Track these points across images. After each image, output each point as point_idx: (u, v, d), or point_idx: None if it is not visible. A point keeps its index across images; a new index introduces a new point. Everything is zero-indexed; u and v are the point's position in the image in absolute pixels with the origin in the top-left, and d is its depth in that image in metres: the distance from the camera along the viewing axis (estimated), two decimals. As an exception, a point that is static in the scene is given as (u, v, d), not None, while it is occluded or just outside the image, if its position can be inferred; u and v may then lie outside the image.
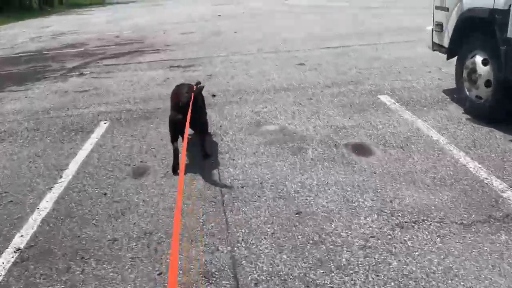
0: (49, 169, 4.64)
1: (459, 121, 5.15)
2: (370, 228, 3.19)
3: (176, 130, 4.28)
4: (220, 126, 5.50)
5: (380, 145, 4.64)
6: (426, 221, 3.22)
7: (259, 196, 3.73)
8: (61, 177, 4.43)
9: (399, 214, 3.34)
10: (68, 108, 6.79)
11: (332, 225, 3.25)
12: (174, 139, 4.32)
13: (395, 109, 5.70)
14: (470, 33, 5.20)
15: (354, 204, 3.51)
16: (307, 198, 3.66)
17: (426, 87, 6.58)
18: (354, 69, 7.95)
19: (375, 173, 4.02)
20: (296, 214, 3.43)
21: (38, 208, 3.84)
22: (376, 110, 5.72)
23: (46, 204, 3.89)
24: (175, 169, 4.27)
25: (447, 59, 5.96)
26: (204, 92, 4.83)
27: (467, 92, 5.32)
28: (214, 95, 6.86)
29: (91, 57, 11.40)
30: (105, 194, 4.01)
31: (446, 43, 5.77)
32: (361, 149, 4.59)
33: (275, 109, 6.01)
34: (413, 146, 4.54)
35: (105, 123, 5.95)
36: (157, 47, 12.22)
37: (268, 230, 3.25)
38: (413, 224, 3.20)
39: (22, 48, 14.14)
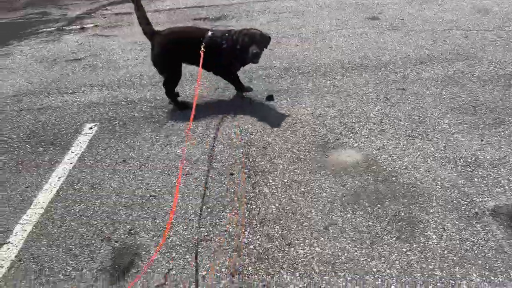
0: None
1: None
2: None
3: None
4: (264, 147, 3.39)
5: None
6: None
7: None
8: (-10, 266, 2.54)
9: None
10: (49, 93, 4.80)
11: None
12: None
13: (557, 122, 3.39)
14: None
15: None
16: None
17: None
18: (455, 31, 5.45)
19: None
20: None
21: None
22: (523, 122, 3.43)
23: None
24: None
25: None
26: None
27: None
28: (271, 97, 4.14)
29: (101, -2, 9.18)
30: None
31: None
32: (531, 232, 2.43)
33: (350, 111, 3.80)
34: None
35: (91, 129, 3.94)
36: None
37: None
38: None
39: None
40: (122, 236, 2.67)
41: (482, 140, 3.24)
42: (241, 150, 3.40)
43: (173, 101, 4.09)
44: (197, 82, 3.94)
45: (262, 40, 3.77)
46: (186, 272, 2.36)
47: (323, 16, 6.52)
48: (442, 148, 3.19)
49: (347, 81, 4.36)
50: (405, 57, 4.81)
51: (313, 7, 7.04)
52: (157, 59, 3.90)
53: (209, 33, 3.83)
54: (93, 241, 2.65)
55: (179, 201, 2.90)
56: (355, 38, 5.52)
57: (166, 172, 3.22)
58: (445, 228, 2.49)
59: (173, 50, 3.81)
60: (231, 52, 3.78)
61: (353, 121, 3.64)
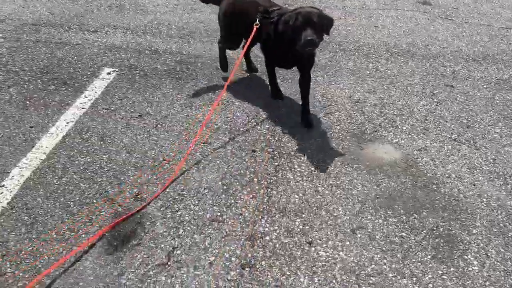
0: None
1: None
2: None
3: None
4: (291, 126, 3.07)
5: None
6: None
7: None
8: (-21, 210, 2.30)
9: None
10: (70, 27, 4.47)
11: None
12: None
13: None
14: None
15: None
16: None
17: None
18: (515, 30, 4.99)
19: None
20: None
21: None
22: None
23: None
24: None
25: None
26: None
27: None
28: None
29: None
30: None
31: None
32: None
33: (392, 101, 3.45)
34: None
35: (109, 74, 3.64)
36: None
37: None
38: None
39: None
40: (127, 200, 2.41)
41: (536, 159, 2.90)
42: (267, 126, 3.09)
43: (220, 52, 3.58)
44: (240, 56, 3.53)
45: (322, 23, 2.69)
46: (192, 254, 2.10)
47: (371, -9, 6.03)
48: (491, 160, 2.86)
49: (391, 67, 3.98)
50: (456, 51, 4.39)
51: (362, -20, 6.52)
52: (218, 18, 3.42)
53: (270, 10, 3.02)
54: (94, 201, 2.39)
55: (194, 171, 2.62)
56: (403, 21, 5.07)
57: (183, 136, 2.92)
58: (488, 254, 2.19)
59: (231, 18, 3.27)
60: (279, 36, 2.83)
61: (395, 113, 3.30)
